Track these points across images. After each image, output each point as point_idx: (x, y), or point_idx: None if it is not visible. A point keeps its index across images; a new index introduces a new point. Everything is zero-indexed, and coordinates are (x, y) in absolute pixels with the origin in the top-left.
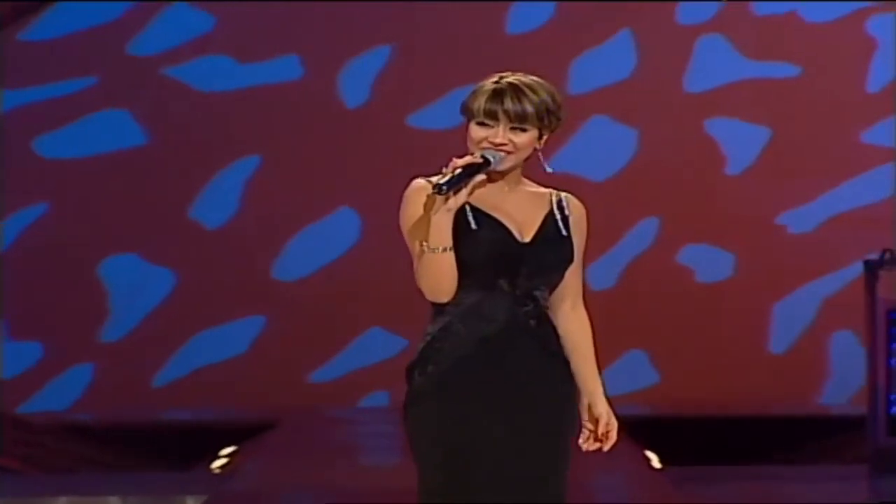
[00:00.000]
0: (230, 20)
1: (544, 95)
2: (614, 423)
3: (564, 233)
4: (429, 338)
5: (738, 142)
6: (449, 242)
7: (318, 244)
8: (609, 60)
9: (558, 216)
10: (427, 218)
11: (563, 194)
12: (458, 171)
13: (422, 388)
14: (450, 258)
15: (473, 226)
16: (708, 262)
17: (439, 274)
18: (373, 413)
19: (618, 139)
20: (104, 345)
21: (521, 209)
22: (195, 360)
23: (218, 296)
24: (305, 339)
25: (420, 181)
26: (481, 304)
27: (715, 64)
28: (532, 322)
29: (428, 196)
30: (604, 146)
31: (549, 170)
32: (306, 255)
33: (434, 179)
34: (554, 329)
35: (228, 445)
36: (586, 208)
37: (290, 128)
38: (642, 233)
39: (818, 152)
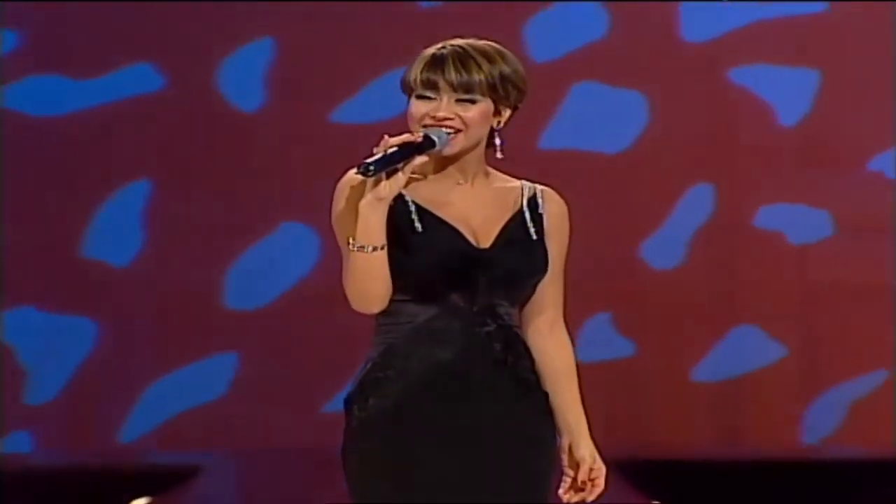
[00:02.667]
0: (39, 35)
1: (497, 60)
2: (601, 468)
3: (535, 236)
4: (369, 364)
5: (783, 89)
6: (380, 240)
7: (267, 266)
8: (572, 19)
9: (528, 216)
10: (356, 211)
11: (538, 188)
12: (392, 150)
13: (363, 426)
14: (380, 259)
15: (418, 227)
16: (799, 221)
17: (367, 278)
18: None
19: (617, 105)
20: (34, 408)
21: (480, 207)
22: (166, 408)
23: (162, 339)
24: (299, 370)
25: (354, 172)
26: (431, 323)
27: (714, 8)
28: (497, 346)
29: (354, 186)
30: (602, 115)
31: (499, 156)
32: (259, 281)
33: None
34: (527, 352)
35: (143, 496)
36: (568, 206)
37: (175, 143)
38: (695, 202)
39: (884, 85)
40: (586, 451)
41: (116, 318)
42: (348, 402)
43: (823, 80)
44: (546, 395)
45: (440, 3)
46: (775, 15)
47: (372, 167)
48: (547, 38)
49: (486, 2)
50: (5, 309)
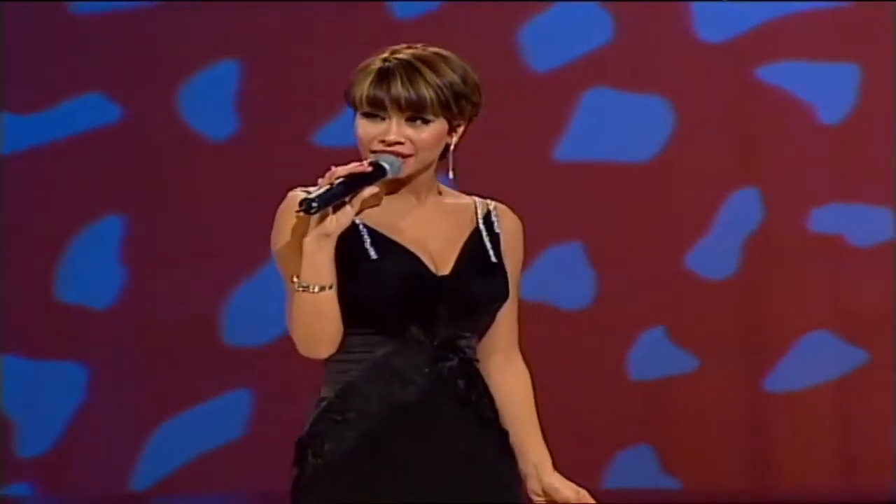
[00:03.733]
0: None
1: (449, 74)
2: (583, 492)
3: (494, 258)
4: (323, 404)
5: (819, 86)
6: (328, 279)
7: (265, 298)
8: (570, 23)
9: (486, 236)
10: (300, 244)
11: (491, 204)
12: (339, 181)
13: (317, 474)
14: (328, 300)
15: (373, 254)
16: (859, 222)
17: (314, 320)
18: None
19: (636, 111)
20: (29, 460)
21: (436, 229)
22: (179, 452)
23: (162, 380)
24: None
25: (297, 192)
26: (391, 360)
27: (728, 6)
28: (460, 382)
29: (298, 214)
30: (620, 123)
31: (450, 176)
32: (259, 313)
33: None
34: (486, 389)
35: None
36: (523, 223)
37: (143, 176)
38: (741, 208)
39: None
40: (556, 480)
41: (107, 362)
42: (302, 446)
43: (863, 74)
44: (506, 433)
45: (419, 14)
46: (799, 9)
47: (315, 203)
48: (545, 45)
49: (470, 10)
50: None
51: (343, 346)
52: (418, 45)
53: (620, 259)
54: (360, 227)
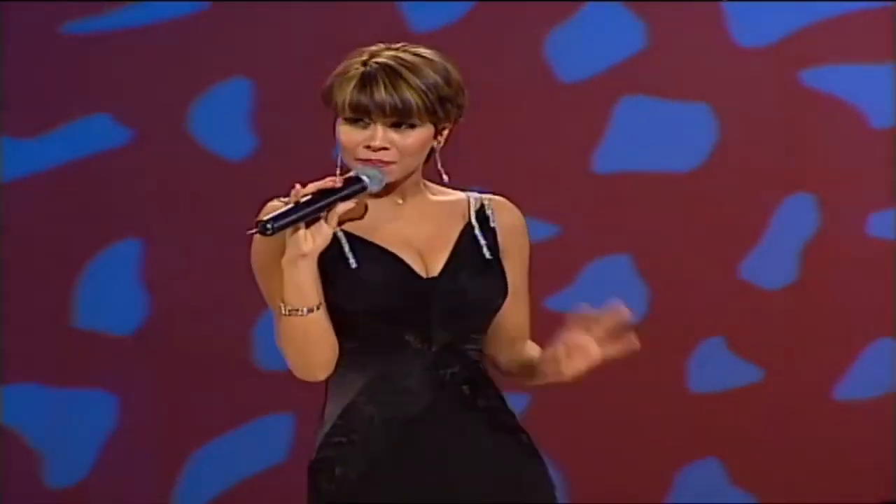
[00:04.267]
0: None
1: (432, 76)
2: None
3: (489, 255)
4: (327, 426)
5: (867, 89)
6: (314, 300)
7: None
8: (598, 31)
9: (478, 232)
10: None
11: (486, 198)
12: (306, 199)
13: (332, 498)
14: (318, 321)
15: (352, 262)
16: None
17: (307, 343)
18: None
19: (675, 119)
20: (60, 491)
21: (422, 228)
22: (219, 479)
23: (195, 405)
24: None
25: (275, 204)
26: (389, 372)
27: (764, 9)
28: (465, 388)
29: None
30: (660, 131)
31: (445, 179)
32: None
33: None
34: (496, 390)
35: None
36: (524, 214)
37: (158, 199)
38: (794, 215)
39: None
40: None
41: (136, 389)
42: (313, 473)
43: None
44: (525, 434)
45: (437, 27)
46: (841, 11)
47: (270, 225)
48: (573, 54)
49: (491, 21)
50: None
51: (339, 362)
52: (397, 46)
53: (671, 270)
54: (339, 233)
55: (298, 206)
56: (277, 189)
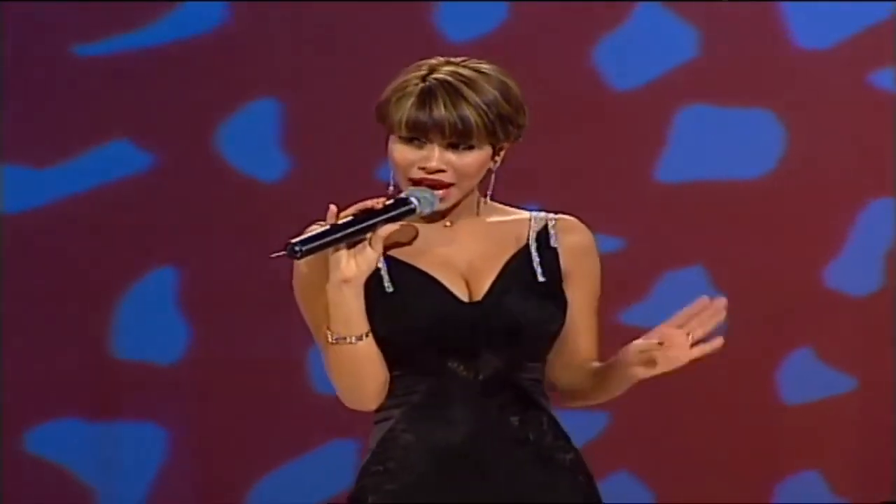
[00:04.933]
0: None
1: (492, 93)
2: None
3: (542, 277)
4: (368, 456)
5: None
6: (362, 328)
7: None
8: (651, 37)
9: (534, 253)
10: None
11: (552, 218)
12: (344, 221)
13: None
14: (367, 350)
15: (388, 287)
16: None
17: (355, 372)
18: None
19: (738, 126)
20: None
21: (470, 251)
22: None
23: (252, 434)
24: None
25: (316, 228)
26: (431, 400)
27: (821, 10)
28: (514, 420)
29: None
30: (723, 139)
31: (486, 202)
32: None
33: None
34: (554, 424)
35: None
36: (592, 233)
37: (188, 224)
38: (878, 219)
39: None
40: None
41: (185, 420)
42: (349, 501)
43: None
44: (583, 472)
45: (473, 38)
46: None
47: (298, 248)
48: (624, 63)
49: (530, 32)
50: (38, 424)
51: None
52: (457, 60)
53: (749, 280)
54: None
55: (335, 228)
56: (316, 209)
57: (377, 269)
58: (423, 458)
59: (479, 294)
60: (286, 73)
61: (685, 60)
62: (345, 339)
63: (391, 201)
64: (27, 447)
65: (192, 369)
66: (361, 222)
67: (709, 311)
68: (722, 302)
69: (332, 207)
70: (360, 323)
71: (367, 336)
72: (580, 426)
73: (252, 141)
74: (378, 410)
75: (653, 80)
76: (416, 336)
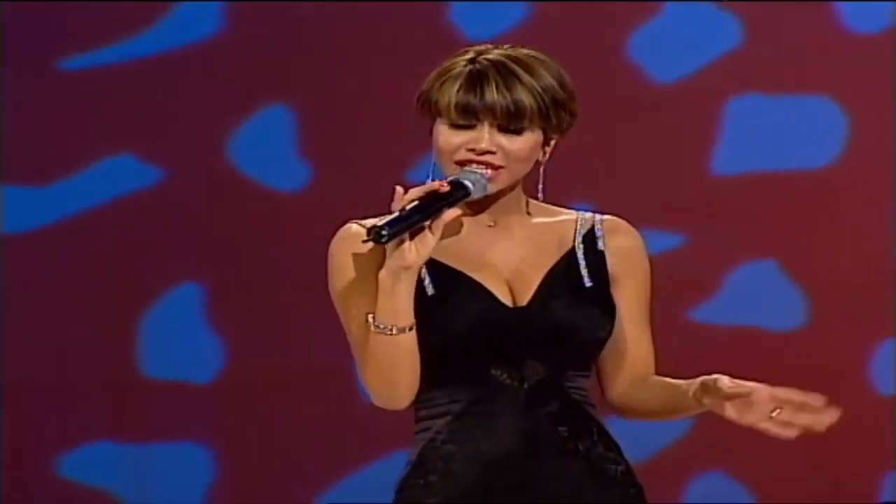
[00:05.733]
0: None
1: (547, 78)
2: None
3: (589, 282)
4: (408, 468)
5: None
6: (408, 320)
7: None
8: (690, 27)
9: (581, 257)
10: (370, 282)
11: (599, 219)
12: (413, 205)
13: None
14: (409, 343)
15: (430, 290)
16: None
17: (391, 366)
18: None
19: (797, 114)
20: None
21: (514, 253)
22: None
23: (305, 449)
24: None
25: (353, 226)
26: (474, 410)
27: None
28: (562, 430)
29: (359, 245)
30: (782, 127)
31: (540, 196)
32: None
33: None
34: (604, 434)
35: None
36: (642, 236)
37: (207, 239)
38: None
39: None
40: (718, 379)
41: (231, 438)
42: None
43: None
44: (640, 488)
45: (493, 35)
46: None
47: (385, 232)
48: (663, 54)
49: (552, 28)
50: (72, 447)
51: (424, 400)
52: (505, 45)
53: (826, 271)
54: None
55: (407, 212)
56: (337, 213)
57: (419, 272)
58: (467, 470)
59: (524, 299)
60: (295, 77)
61: (731, 48)
62: (390, 329)
63: (448, 185)
64: (59, 472)
65: (231, 385)
66: (429, 206)
67: (809, 410)
68: (828, 417)
69: (399, 189)
70: (406, 314)
71: (410, 330)
72: (661, 425)
73: (266, 149)
74: (417, 421)
75: (697, 71)
76: (458, 342)
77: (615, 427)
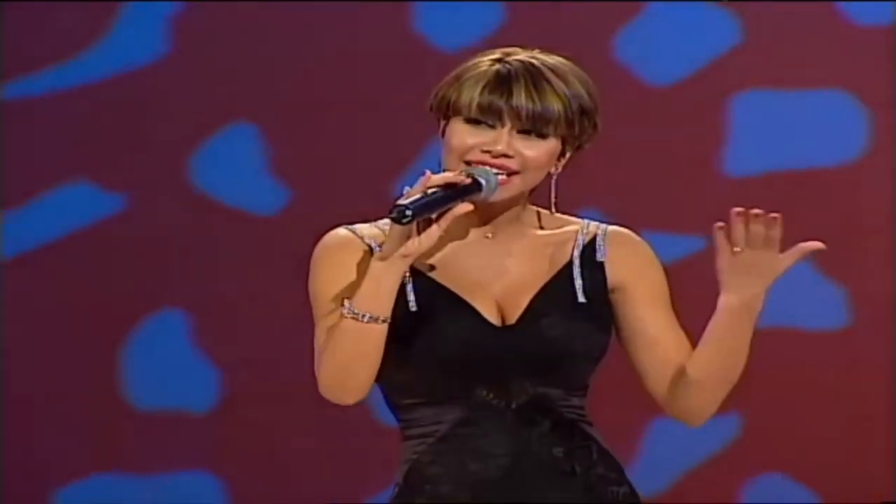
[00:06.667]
0: None
1: (577, 85)
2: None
3: (583, 298)
4: (395, 489)
5: None
6: (384, 312)
7: None
8: (683, 26)
9: (577, 271)
10: (351, 285)
11: (602, 229)
12: (434, 191)
13: None
14: (376, 337)
15: (412, 305)
16: None
17: (352, 357)
18: None
19: (808, 110)
20: None
21: (509, 268)
22: None
23: (322, 473)
24: None
25: (342, 231)
26: (460, 430)
27: None
28: (557, 451)
29: (348, 250)
30: (792, 125)
31: (553, 211)
32: None
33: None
34: (604, 454)
35: None
36: (645, 242)
37: (195, 269)
38: None
39: None
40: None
41: (236, 466)
42: None
43: None
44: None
45: (465, 45)
46: None
47: (409, 211)
48: (655, 56)
49: (531, 34)
50: (69, 482)
51: (408, 420)
52: (535, 49)
53: (860, 267)
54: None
55: (428, 197)
56: (311, 228)
57: (402, 285)
58: (455, 492)
59: (513, 317)
60: (257, 96)
61: (729, 47)
62: (364, 316)
63: (466, 179)
64: None
65: (227, 415)
66: (448, 197)
67: (762, 223)
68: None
69: (428, 172)
70: (386, 306)
71: (383, 322)
72: (707, 432)
73: (229, 168)
74: (402, 440)
75: (696, 70)
76: (441, 364)
77: (670, 432)
